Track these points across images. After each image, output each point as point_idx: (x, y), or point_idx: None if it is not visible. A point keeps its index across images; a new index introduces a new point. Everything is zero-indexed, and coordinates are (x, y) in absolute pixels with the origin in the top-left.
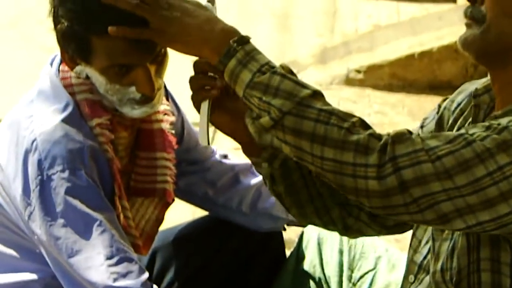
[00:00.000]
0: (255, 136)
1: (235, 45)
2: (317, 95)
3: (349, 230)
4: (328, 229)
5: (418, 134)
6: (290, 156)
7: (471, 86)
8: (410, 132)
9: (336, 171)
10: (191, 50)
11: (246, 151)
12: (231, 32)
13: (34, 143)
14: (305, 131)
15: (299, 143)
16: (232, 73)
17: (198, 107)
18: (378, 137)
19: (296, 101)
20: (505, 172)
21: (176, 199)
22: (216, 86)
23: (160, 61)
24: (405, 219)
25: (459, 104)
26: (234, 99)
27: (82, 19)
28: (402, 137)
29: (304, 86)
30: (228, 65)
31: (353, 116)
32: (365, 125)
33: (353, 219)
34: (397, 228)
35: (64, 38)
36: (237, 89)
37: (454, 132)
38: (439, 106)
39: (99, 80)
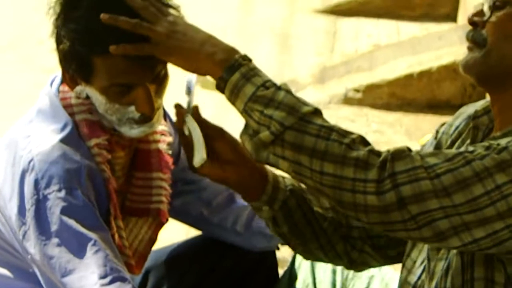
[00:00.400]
0: (252, 153)
1: (240, 59)
2: (318, 112)
3: (354, 263)
4: (334, 263)
5: (418, 152)
6: (287, 172)
7: (468, 109)
8: (409, 149)
9: (335, 186)
10: (192, 65)
11: (245, 197)
12: (234, 49)
13: (31, 163)
14: (306, 146)
15: (298, 158)
16: (235, 87)
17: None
18: (378, 153)
19: (298, 116)
20: (503, 191)
21: (170, 219)
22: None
23: (160, 81)
24: (403, 235)
25: (457, 127)
26: (224, 147)
27: (84, 39)
28: (401, 154)
29: (305, 103)
30: (231, 78)
31: (353, 133)
32: (365, 142)
33: (358, 252)
34: (400, 257)
35: (65, 58)
36: (237, 103)
37: (453, 150)
38: (437, 131)
39: (99, 99)
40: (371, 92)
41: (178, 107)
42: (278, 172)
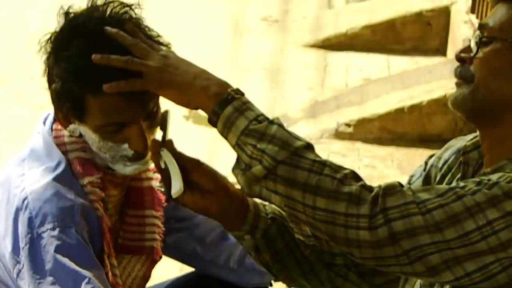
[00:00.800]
0: (244, 187)
1: (233, 93)
2: (310, 147)
3: None
4: None
5: (409, 187)
6: (280, 206)
7: (458, 143)
8: (401, 185)
9: (328, 221)
10: (184, 98)
11: (226, 226)
12: (227, 83)
13: (25, 202)
14: (298, 181)
15: (290, 193)
16: (227, 120)
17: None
18: (370, 188)
19: (290, 151)
20: (494, 227)
21: (164, 256)
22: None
23: (153, 118)
24: (395, 270)
25: (446, 161)
26: (202, 178)
27: (76, 79)
28: (393, 189)
29: (297, 138)
30: (223, 112)
31: (345, 168)
32: (357, 177)
33: (342, 279)
34: (387, 286)
35: (58, 97)
36: (230, 136)
37: (445, 186)
38: (426, 163)
39: (92, 138)
40: (362, 126)
41: (153, 141)
42: (259, 200)
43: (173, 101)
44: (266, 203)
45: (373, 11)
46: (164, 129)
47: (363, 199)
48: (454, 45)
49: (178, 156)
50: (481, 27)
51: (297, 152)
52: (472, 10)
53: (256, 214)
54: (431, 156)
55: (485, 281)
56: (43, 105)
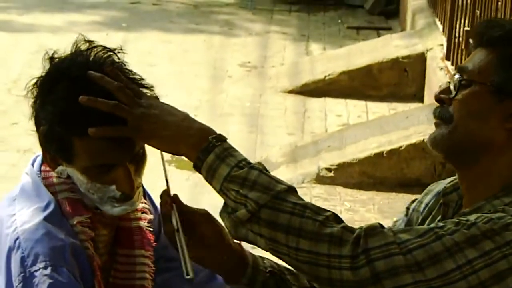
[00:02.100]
0: (231, 230)
1: (214, 141)
2: (292, 190)
3: None
4: None
5: (390, 228)
6: (265, 249)
7: (438, 186)
8: (382, 226)
9: (311, 262)
10: (169, 147)
11: (226, 279)
12: (209, 130)
13: (17, 241)
14: (281, 224)
15: (274, 235)
16: (210, 168)
17: (169, 239)
18: (351, 230)
19: (272, 195)
20: (474, 266)
21: None
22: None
23: (139, 161)
24: None
25: (427, 205)
26: (209, 231)
27: (63, 121)
28: (374, 230)
29: (279, 181)
30: (206, 160)
31: (327, 210)
32: (338, 219)
33: None
34: None
35: (46, 140)
36: (214, 183)
37: (424, 227)
38: (408, 208)
39: (80, 179)
40: (343, 171)
41: (163, 194)
42: (258, 252)
43: (159, 149)
44: (266, 254)
45: (350, 58)
46: (166, 181)
47: (345, 240)
48: (431, 91)
49: (188, 210)
50: (461, 70)
51: (279, 195)
52: (447, 57)
53: (255, 268)
54: (413, 201)
55: None
56: (27, 149)
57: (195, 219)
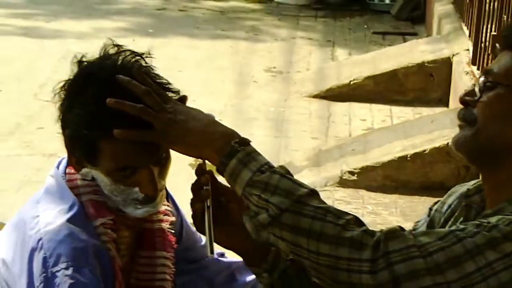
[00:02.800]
0: (252, 233)
1: (236, 145)
2: (314, 194)
3: None
4: None
5: (410, 231)
6: (286, 252)
7: (461, 188)
8: (402, 229)
9: (331, 266)
10: (193, 152)
11: (247, 262)
12: (232, 134)
13: (40, 242)
14: (302, 228)
15: (295, 240)
16: (233, 173)
17: (195, 216)
18: (372, 233)
19: (293, 199)
20: (494, 268)
21: None
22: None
23: (163, 164)
24: None
25: (449, 206)
26: (237, 209)
27: (90, 124)
28: (394, 233)
29: (301, 185)
30: (229, 164)
31: (348, 214)
32: (359, 223)
33: None
34: None
35: (71, 142)
36: (236, 188)
37: (445, 229)
38: (430, 209)
39: (104, 181)
40: (366, 174)
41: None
42: None
43: (184, 154)
44: None
45: (376, 63)
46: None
47: (365, 244)
48: (456, 96)
49: (220, 185)
50: (486, 72)
51: (301, 199)
52: (473, 62)
53: (277, 255)
54: (436, 202)
55: None
56: (52, 153)
57: (226, 196)
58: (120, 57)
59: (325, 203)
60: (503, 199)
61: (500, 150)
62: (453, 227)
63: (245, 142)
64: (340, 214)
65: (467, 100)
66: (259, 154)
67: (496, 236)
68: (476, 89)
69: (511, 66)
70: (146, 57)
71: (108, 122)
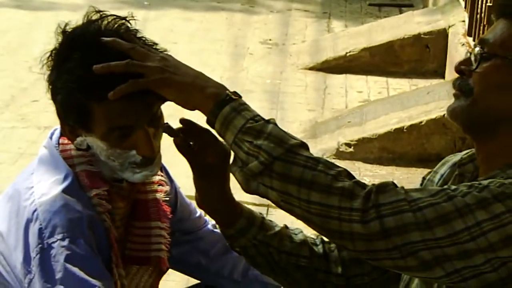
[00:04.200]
0: (242, 184)
1: (230, 94)
2: (305, 145)
3: None
4: None
5: (402, 187)
6: (276, 201)
7: (454, 158)
8: (394, 184)
9: (322, 215)
10: (184, 97)
11: (218, 223)
12: (223, 86)
13: (35, 213)
14: (293, 176)
15: (286, 188)
16: (225, 119)
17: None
18: (363, 185)
19: (286, 148)
20: (483, 228)
21: (170, 268)
22: None
23: (157, 124)
24: (389, 264)
25: (442, 175)
26: (208, 152)
27: (80, 88)
28: (386, 187)
29: (293, 137)
30: (222, 111)
31: (339, 166)
32: (350, 175)
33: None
34: None
35: (64, 109)
36: (227, 135)
37: (436, 187)
38: (424, 178)
39: (100, 146)
40: (362, 146)
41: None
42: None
43: (173, 100)
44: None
45: (372, 34)
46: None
47: (356, 194)
48: (452, 67)
49: (199, 127)
50: (482, 42)
51: (292, 149)
52: (469, 33)
53: (245, 226)
54: (429, 173)
55: (473, 278)
56: (47, 126)
57: (205, 138)
58: (104, 22)
59: (315, 155)
60: (496, 168)
61: (495, 121)
62: (445, 187)
63: (238, 94)
64: (331, 165)
65: (463, 69)
66: (250, 107)
67: (486, 197)
68: (472, 58)
69: (507, 36)
70: (130, 19)
71: (98, 85)
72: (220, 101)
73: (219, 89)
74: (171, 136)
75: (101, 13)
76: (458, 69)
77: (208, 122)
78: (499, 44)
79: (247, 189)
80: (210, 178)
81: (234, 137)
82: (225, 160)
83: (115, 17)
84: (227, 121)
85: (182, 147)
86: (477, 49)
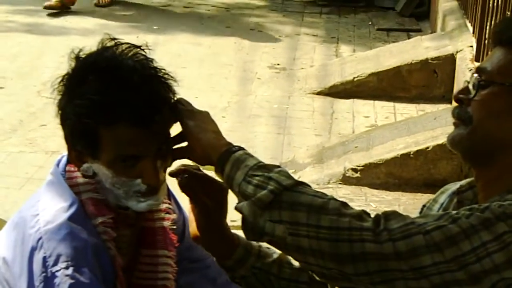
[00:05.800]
0: (249, 219)
1: (236, 147)
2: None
3: None
4: None
5: (407, 215)
6: (282, 238)
7: (453, 186)
8: (399, 214)
9: (332, 239)
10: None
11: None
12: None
13: (40, 241)
14: (303, 203)
15: (295, 216)
16: (237, 160)
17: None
18: (370, 214)
19: (296, 181)
20: (488, 248)
21: None
22: None
23: (163, 156)
24: (399, 285)
25: (441, 205)
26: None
27: (91, 112)
28: (392, 214)
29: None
30: (234, 154)
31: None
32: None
33: None
34: None
35: (72, 134)
36: (237, 174)
37: (440, 212)
38: (423, 206)
39: (105, 174)
40: (369, 171)
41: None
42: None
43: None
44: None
45: (380, 59)
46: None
47: (365, 219)
48: None
49: (201, 173)
50: (479, 70)
51: (301, 183)
52: (477, 59)
53: (247, 250)
54: (429, 201)
55: None
56: (55, 151)
57: (202, 179)
58: (119, 49)
59: None
60: (495, 194)
61: (494, 147)
62: (447, 211)
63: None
64: (338, 199)
65: (461, 98)
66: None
67: (489, 217)
68: (470, 86)
69: (504, 64)
70: (144, 48)
71: (109, 109)
72: (232, 147)
73: (227, 143)
74: (173, 177)
75: (115, 40)
76: (456, 98)
77: (217, 162)
78: (496, 71)
79: (254, 226)
80: (209, 214)
81: (245, 175)
82: (223, 196)
83: (129, 45)
84: (239, 162)
85: (185, 187)
86: (475, 76)
